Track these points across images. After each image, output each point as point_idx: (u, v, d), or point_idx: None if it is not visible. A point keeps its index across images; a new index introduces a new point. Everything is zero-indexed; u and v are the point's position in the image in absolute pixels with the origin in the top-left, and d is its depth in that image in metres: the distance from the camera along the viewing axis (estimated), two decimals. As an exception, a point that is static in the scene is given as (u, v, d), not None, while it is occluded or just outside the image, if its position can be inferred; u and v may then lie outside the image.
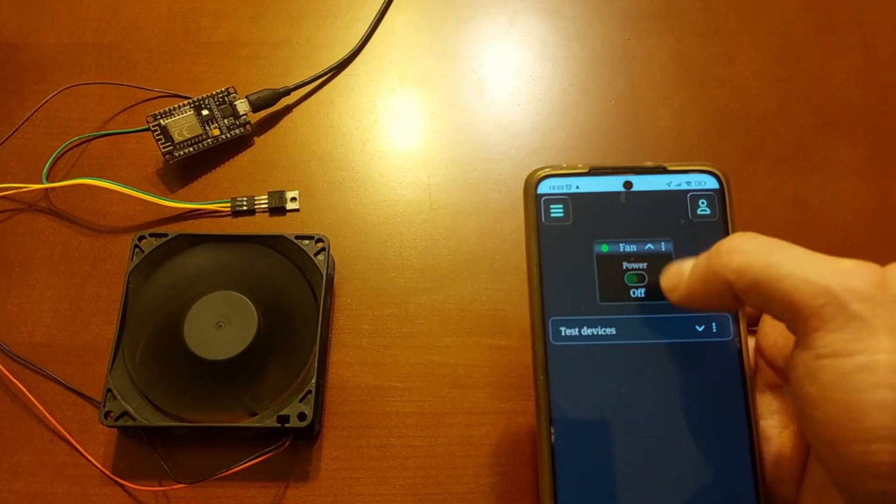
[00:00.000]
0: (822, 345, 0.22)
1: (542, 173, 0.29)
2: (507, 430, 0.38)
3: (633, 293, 0.28)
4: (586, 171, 0.29)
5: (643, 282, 0.29)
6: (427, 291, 0.42)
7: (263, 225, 0.43)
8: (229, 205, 0.43)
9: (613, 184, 0.29)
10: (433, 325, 0.41)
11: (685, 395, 0.28)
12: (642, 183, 0.29)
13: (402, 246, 0.43)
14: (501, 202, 0.43)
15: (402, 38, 0.48)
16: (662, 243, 0.29)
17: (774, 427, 0.28)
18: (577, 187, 0.29)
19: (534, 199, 0.29)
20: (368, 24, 0.48)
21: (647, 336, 0.28)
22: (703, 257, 0.26)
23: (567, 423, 0.28)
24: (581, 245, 0.29)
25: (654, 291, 0.28)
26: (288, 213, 0.44)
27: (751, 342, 0.29)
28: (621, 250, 0.29)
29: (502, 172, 0.44)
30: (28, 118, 0.45)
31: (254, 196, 0.44)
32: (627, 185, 0.29)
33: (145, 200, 0.43)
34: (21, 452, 0.38)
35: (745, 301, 0.24)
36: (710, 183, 0.29)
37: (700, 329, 0.28)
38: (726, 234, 0.28)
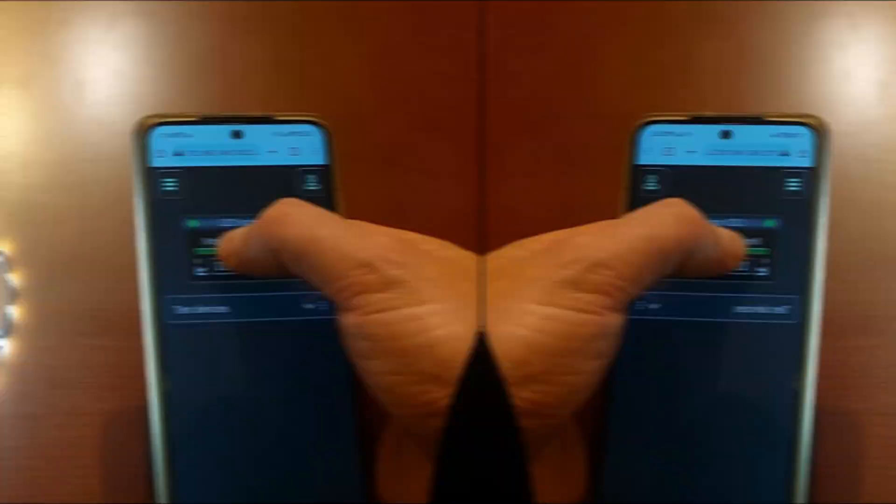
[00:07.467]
0: (366, 304, 0.24)
1: (151, 121, 0.29)
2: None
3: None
4: (199, 119, 0.30)
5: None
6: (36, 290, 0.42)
7: None
8: None
9: (223, 132, 0.30)
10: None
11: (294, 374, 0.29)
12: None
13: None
14: (102, 202, 0.44)
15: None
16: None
17: None
18: (191, 136, 0.29)
19: (141, 150, 0.29)
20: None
21: (259, 314, 0.29)
22: (254, 225, 0.26)
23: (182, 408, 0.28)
24: (183, 220, 0.29)
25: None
26: None
27: None
28: (220, 225, 0.29)
29: (104, 173, 0.45)
30: None
31: None
32: (236, 134, 0.30)
33: None
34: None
35: (290, 270, 0.26)
36: None
37: (310, 307, 0.30)
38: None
